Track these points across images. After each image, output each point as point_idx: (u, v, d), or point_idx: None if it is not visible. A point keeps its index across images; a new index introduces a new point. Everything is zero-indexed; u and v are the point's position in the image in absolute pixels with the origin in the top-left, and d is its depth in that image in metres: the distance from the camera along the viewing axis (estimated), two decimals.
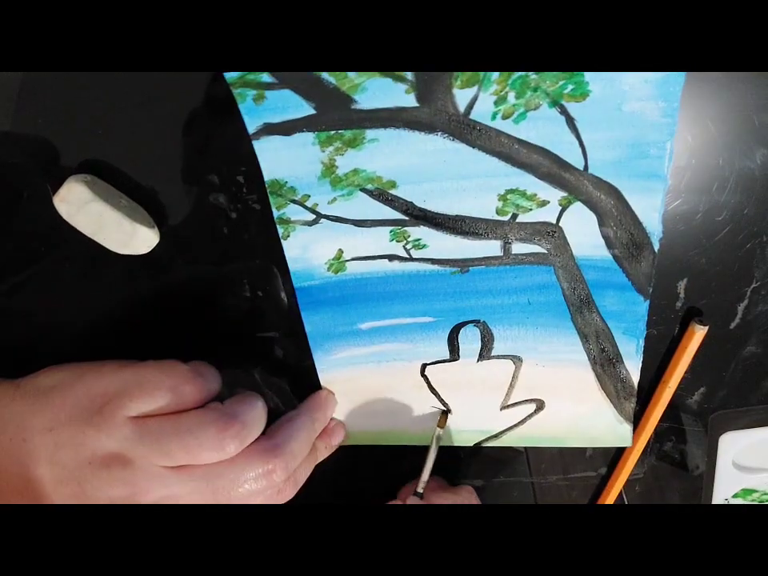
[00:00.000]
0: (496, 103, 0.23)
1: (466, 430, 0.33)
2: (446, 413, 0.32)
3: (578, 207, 0.26)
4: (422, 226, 0.27)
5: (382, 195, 0.26)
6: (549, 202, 0.26)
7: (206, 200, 0.27)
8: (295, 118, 0.24)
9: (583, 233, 0.26)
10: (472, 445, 0.34)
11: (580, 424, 0.32)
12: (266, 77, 0.23)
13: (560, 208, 0.26)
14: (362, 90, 0.23)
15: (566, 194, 0.25)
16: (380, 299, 0.29)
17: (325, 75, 0.23)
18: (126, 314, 0.30)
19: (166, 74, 0.24)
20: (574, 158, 0.24)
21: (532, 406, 0.32)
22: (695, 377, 0.31)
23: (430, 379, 0.32)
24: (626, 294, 0.28)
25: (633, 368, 0.30)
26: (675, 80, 0.22)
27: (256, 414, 0.26)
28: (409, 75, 0.23)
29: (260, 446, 0.26)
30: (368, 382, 0.32)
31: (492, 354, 0.30)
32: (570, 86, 0.23)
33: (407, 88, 0.23)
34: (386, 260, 0.28)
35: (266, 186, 0.26)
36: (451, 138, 0.24)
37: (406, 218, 0.27)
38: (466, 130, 0.24)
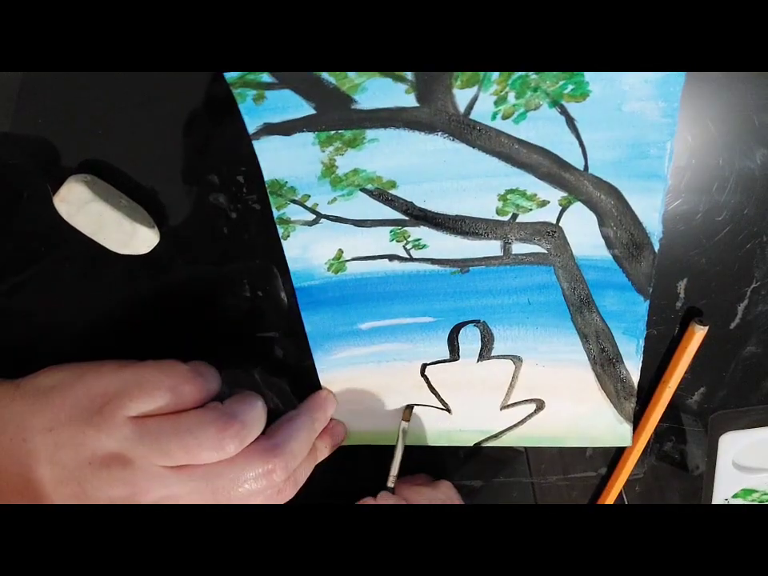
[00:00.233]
0: (496, 103, 0.23)
1: (465, 430, 0.33)
2: (410, 407, 0.32)
3: (578, 207, 0.26)
4: (422, 226, 0.27)
5: (382, 195, 0.26)
6: (549, 202, 0.26)
7: (206, 200, 0.27)
8: (295, 118, 0.24)
9: (583, 233, 0.26)
10: (472, 445, 0.34)
11: (580, 424, 0.32)
12: (266, 77, 0.23)
13: (560, 208, 0.26)
14: (362, 89, 0.23)
15: (566, 194, 0.25)
16: (380, 299, 0.29)
17: (325, 75, 0.23)
18: (126, 314, 0.30)
19: (166, 73, 0.24)
20: (574, 158, 0.24)
21: (532, 406, 0.32)
22: (695, 377, 0.31)
23: (430, 379, 0.31)
24: (626, 294, 0.28)
25: (633, 368, 0.30)
26: (675, 80, 0.22)
27: (256, 413, 0.26)
28: (409, 75, 0.23)
29: (260, 446, 0.26)
30: (368, 381, 0.32)
31: (492, 354, 0.30)
32: (570, 86, 0.23)
33: (407, 88, 0.23)
34: (386, 260, 0.28)
35: (266, 185, 0.26)
36: (451, 138, 0.24)
37: (406, 218, 0.27)
38: (466, 130, 0.24)
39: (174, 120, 0.25)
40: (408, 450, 0.33)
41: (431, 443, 0.34)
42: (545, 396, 0.31)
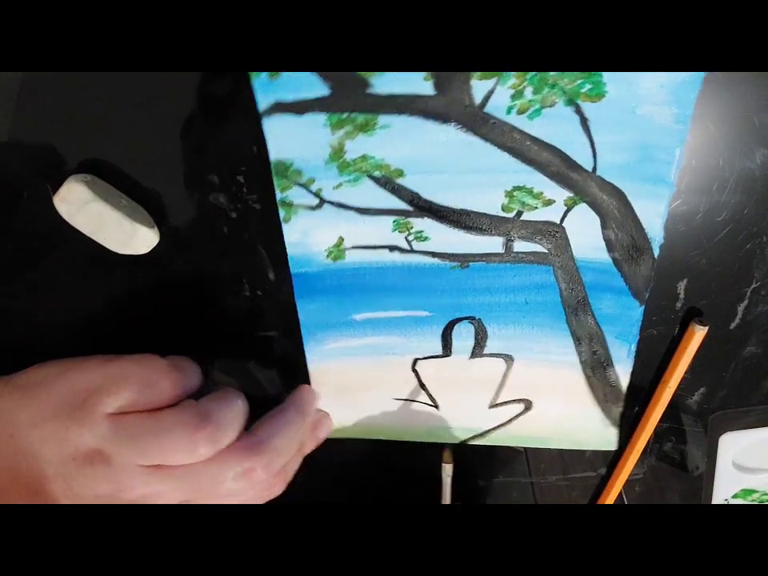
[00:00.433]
0: (513, 97, 0.23)
1: (452, 427, 0.33)
2: (448, 447, 0.32)
3: (582, 208, 0.26)
4: (425, 218, 0.26)
5: (389, 183, 0.26)
6: (554, 201, 0.26)
7: (206, 200, 0.27)
8: (309, 98, 0.24)
9: (585, 234, 0.26)
10: (458, 442, 0.34)
11: (566, 426, 0.32)
12: None
13: (565, 208, 0.26)
14: (380, 74, 0.23)
15: (572, 195, 0.25)
16: (377, 290, 0.29)
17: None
18: (126, 313, 0.30)
19: (166, 74, 0.24)
20: (584, 159, 0.24)
21: (520, 406, 0.32)
22: (695, 377, 0.31)
23: (420, 374, 0.31)
24: (622, 299, 0.28)
25: (623, 373, 0.30)
26: (691, 87, 0.22)
27: (232, 414, 0.25)
28: None
29: (241, 444, 0.25)
30: (359, 374, 0.31)
31: (484, 352, 0.30)
32: (588, 86, 0.22)
33: (426, 75, 0.23)
34: (387, 250, 0.28)
35: (271, 166, 0.25)
36: (464, 129, 0.24)
37: (411, 209, 0.26)
38: (479, 123, 0.24)
39: (174, 120, 0.25)
40: (408, 450, 0.33)
41: (416, 439, 0.34)
42: (533, 396, 0.31)
